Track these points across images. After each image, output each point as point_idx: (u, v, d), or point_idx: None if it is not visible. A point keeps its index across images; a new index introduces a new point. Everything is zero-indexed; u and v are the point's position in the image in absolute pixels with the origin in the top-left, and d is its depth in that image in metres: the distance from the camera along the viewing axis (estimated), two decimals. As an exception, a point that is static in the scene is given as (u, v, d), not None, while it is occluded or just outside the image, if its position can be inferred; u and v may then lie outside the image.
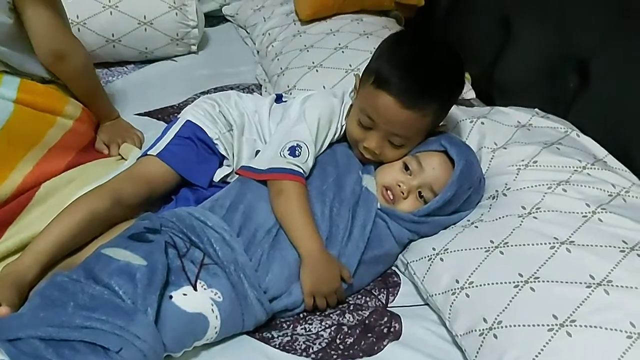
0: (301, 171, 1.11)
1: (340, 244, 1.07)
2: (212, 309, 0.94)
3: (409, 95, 1.07)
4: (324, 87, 1.48)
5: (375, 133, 1.13)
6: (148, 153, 1.22)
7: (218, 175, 1.23)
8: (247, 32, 1.96)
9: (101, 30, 1.70)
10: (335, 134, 1.21)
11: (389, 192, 1.14)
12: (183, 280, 0.95)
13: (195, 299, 0.94)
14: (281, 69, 1.62)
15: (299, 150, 1.12)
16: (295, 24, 1.80)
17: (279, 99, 1.34)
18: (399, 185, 1.13)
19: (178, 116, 1.29)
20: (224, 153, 1.24)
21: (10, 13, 1.19)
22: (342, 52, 1.59)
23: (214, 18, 2.05)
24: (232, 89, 1.63)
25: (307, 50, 1.63)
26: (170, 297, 0.93)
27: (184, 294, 0.94)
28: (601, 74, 1.27)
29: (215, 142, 1.23)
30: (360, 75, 1.19)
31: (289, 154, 1.11)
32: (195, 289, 0.95)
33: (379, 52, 1.16)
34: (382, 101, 1.09)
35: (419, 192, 1.13)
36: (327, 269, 1.04)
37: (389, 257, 1.15)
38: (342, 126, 1.22)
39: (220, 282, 0.97)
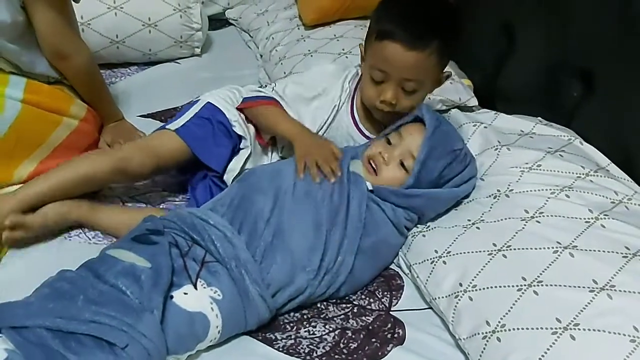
0: (266, 96, 1.28)
1: (341, 226, 1.08)
2: (212, 307, 0.95)
3: (412, 36, 1.13)
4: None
5: (388, 85, 1.18)
6: (166, 127, 1.26)
7: (237, 163, 1.26)
8: (250, 35, 1.96)
9: (105, 31, 1.71)
10: (334, 92, 1.29)
11: (371, 161, 1.16)
12: (184, 279, 0.96)
13: (196, 298, 0.95)
14: (284, 73, 1.63)
15: (268, 86, 1.29)
16: (299, 28, 1.81)
17: None
18: (380, 154, 1.16)
19: (199, 97, 1.34)
20: (240, 133, 1.27)
21: (21, 11, 1.21)
22: (346, 57, 1.60)
23: (217, 21, 2.06)
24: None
25: (311, 55, 1.64)
26: (172, 297, 0.93)
27: (185, 293, 0.95)
28: (604, 83, 1.28)
29: (233, 123, 1.27)
30: (364, 42, 1.25)
31: (257, 88, 1.29)
32: (195, 288, 0.95)
33: (376, 12, 1.22)
34: (388, 49, 1.14)
35: (402, 162, 1.15)
36: (316, 139, 1.21)
37: (388, 248, 1.16)
38: (346, 90, 1.30)
39: (220, 279, 0.98)
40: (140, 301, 0.89)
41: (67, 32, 1.28)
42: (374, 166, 1.16)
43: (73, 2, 1.33)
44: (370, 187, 1.14)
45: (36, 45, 1.26)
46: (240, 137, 1.27)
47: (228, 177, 1.24)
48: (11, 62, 1.24)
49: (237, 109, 1.29)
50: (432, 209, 1.16)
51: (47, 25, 1.23)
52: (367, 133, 1.30)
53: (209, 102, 1.30)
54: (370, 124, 1.30)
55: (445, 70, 1.27)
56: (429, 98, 1.56)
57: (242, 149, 1.27)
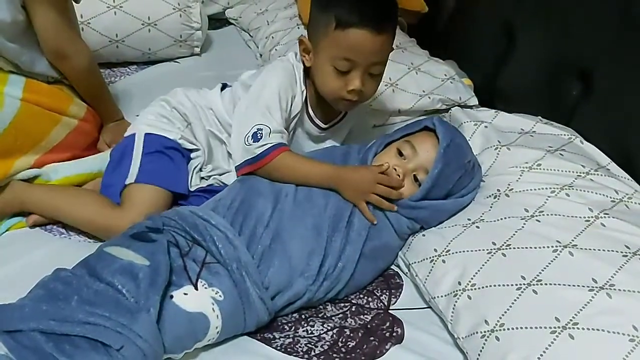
0: (271, 146, 1.12)
1: (344, 232, 1.08)
2: (213, 308, 0.94)
3: (377, 21, 1.11)
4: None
5: (355, 72, 1.14)
6: (125, 184, 1.18)
7: (194, 182, 1.24)
8: (250, 35, 1.97)
9: (105, 30, 1.71)
10: (297, 97, 1.21)
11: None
12: (184, 279, 0.95)
13: (196, 298, 0.94)
14: (284, 71, 1.62)
15: (261, 132, 1.13)
16: (298, 27, 1.81)
17: (224, 87, 1.34)
18: (395, 169, 1.13)
19: (132, 131, 1.26)
20: (190, 147, 1.25)
21: (22, 10, 1.21)
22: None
23: (217, 21, 2.06)
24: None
25: (311, 54, 1.64)
26: (171, 296, 0.93)
27: (185, 294, 0.94)
28: (604, 83, 1.28)
29: (180, 142, 1.24)
30: (307, 36, 1.20)
31: (253, 141, 1.13)
32: (196, 288, 0.95)
33: (321, 3, 1.17)
34: (355, 37, 1.11)
35: (415, 176, 1.13)
36: (352, 176, 1.11)
37: (389, 251, 1.15)
38: (302, 92, 1.22)
39: (221, 280, 0.97)
40: (136, 300, 0.88)
41: (67, 32, 1.28)
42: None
43: (73, 2, 1.33)
44: None
45: (36, 45, 1.26)
46: (191, 150, 1.26)
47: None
48: (11, 62, 1.24)
49: (243, 174, 1.16)
50: (436, 219, 1.14)
51: (47, 25, 1.23)
52: (319, 123, 1.27)
53: (146, 133, 1.23)
54: (322, 113, 1.27)
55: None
56: (429, 98, 1.56)
57: (193, 159, 1.26)
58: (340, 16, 1.10)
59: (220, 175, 1.28)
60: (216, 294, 0.95)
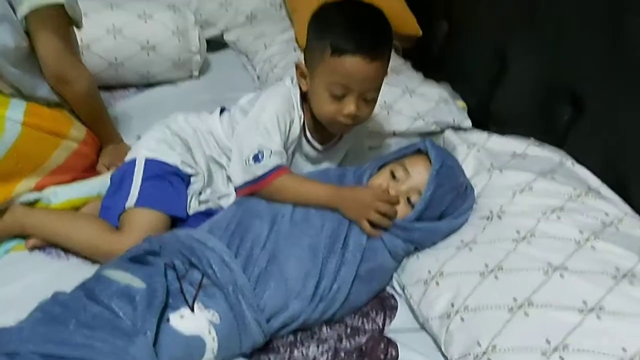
0: (272, 167, 1.15)
1: (339, 253, 1.09)
2: (209, 330, 0.95)
3: (371, 48, 1.13)
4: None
5: (350, 97, 1.16)
6: (125, 207, 1.19)
7: (192, 205, 1.26)
8: (247, 58, 1.99)
9: (105, 54, 1.74)
10: (295, 121, 1.23)
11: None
12: (181, 302, 0.96)
13: (192, 321, 0.95)
14: (281, 94, 1.65)
15: (262, 154, 1.15)
16: (295, 51, 1.84)
17: (222, 111, 1.36)
18: (388, 191, 1.15)
19: (132, 156, 1.27)
20: (190, 171, 1.27)
21: (25, 36, 1.24)
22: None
23: (215, 44, 2.08)
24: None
25: (307, 77, 1.66)
26: (168, 319, 0.93)
27: (181, 316, 0.95)
28: (594, 106, 1.30)
29: (180, 166, 1.26)
30: (304, 61, 1.22)
31: (254, 162, 1.15)
32: (192, 311, 0.95)
33: (316, 30, 1.19)
34: (350, 64, 1.13)
35: (408, 198, 1.15)
36: (353, 195, 1.13)
37: (383, 272, 1.16)
38: (300, 117, 1.24)
39: (218, 303, 0.98)
40: (133, 323, 0.89)
41: (69, 57, 1.31)
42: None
43: (75, 28, 1.36)
44: None
45: (38, 70, 1.28)
46: (191, 175, 1.28)
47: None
48: (13, 86, 1.26)
49: (242, 194, 1.19)
50: (430, 240, 1.16)
51: (50, 51, 1.26)
52: (316, 145, 1.30)
53: (147, 158, 1.25)
54: (319, 135, 1.29)
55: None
56: (423, 120, 1.59)
57: (192, 183, 1.27)
58: (335, 43, 1.13)
59: (219, 198, 1.29)
60: (212, 316, 0.96)
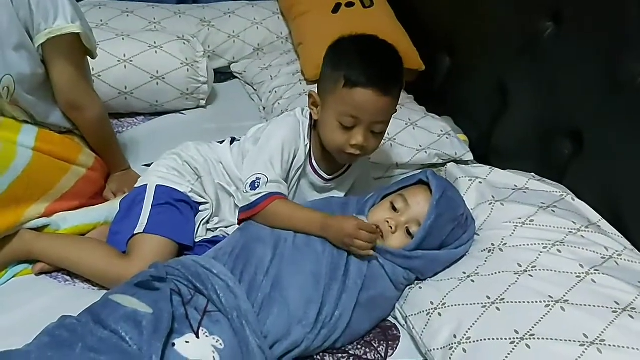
0: (265, 194, 1.18)
1: (341, 280, 1.10)
2: (214, 356, 0.95)
3: (383, 83, 1.17)
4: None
5: (358, 129, 1.19)
6: (134, 233, 1.21)
7: (200, 233, 1.28)
8: (254, 89, 2.02)
9: (115, 83, 1.76)
10: (300, 150, 1.27)
11: (378, 229, 1.17)
12: (186, 327, 0.97)
13: (197, 346, 0.95)
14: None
15: (258, 182, 1.20)
16: (301, 83, 1.88)
17: (233, 141, 1.40)
18: (387, 222, 1.17)
19: (143, 182, 1.29)
20: (200, 200, 1.29)
21: (41, 64, 1.27)
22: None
23: (222, 74, 2.12)
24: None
25: (312, 109, 1.69)
26: (173, 344, 0.94)
27: (186, 341, 0.95)
28: (594, 142, 1.32)
29: (190, 195, 1.28)
30: (317, 91, 1.26)
31: (250, 189, 1.19)
32: (197, 336, 0.96)
33: (332, 61, 1.23)
34: (361, 96, 1.16)
35: (407, 229, 1.17)
36: (337, 225, 1.14)
37: (385, 301, 1.17)
38: (306, 146, 1.28)
39: (222, 329, 0.99)
40: (139, 347, 0.90)
41: (83, 85, 1.34)
42: (380, 231, 1.17)
43: (89, 57, 1.39)
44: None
45: (52, 97, 1.31)
46: (200, 203, 1.30)
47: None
48: (26, 112, 1.28)
49: (241, 219, 1.23)
50: (431, 270, 1.18)
51: (65, 79, 1.29)
52: (323, 175, 1.32)
53: (157, 185, 1.27)
54: (327, 165, 1.32)
55: None
56: (426, 152, 1.61)
57: (201, 211, 1.30)
58: (349, 76, 1.17)
59: (226, 227, 1.31)
60: (217, 342, 0.97)
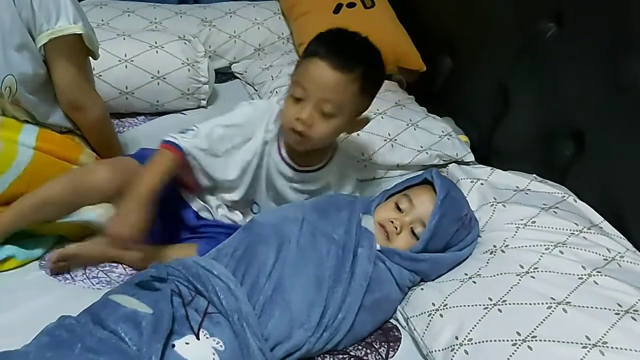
0: (175, 141, 1.21)
1: (345, 283, 1.10)
2: (214, 358, 0.95)
3: (337, 57, 1.15)
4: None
5: (306, 103, 1.17)
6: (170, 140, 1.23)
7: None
8: (255, 89, 2.01)
9: (116, 83, 1.76)
10: (258, 135, 1.27)
11: (383, 229, 1.18)
12: (186, 329, 0.97)
13: (197, 348, 0.95)
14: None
15: (190, 131, 1.24)
16: (302, 83, 1.87)
17: None
18: (392, 222, 1.17)
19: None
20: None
21: (43, 65, 1.27)
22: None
23: (223, 74, 2.11)
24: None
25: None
26: (173, 345, 0.94)
27: (186, 343, 0.95)
28: (595, 143, 1.32)
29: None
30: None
31: (178, 132, 1.24)
32: (197, 338, 0.96)
33: (311, 41, 1.24)
34: (314, 66, 1.16)
35: (412, 229, 1.17)
36: (127, 211, 1.14)
37: (389, 303, 1.17)
38: (268, 131, 1.28)
39: (223, 331, 0.98)
40: (138, 348, 0.89)
41: (84, 85, 1.34)
42: (386, 232, 1.17)
43: (91, 58, 1.39)
44: (378, 247, 1.16)
45: (53, 97, 1.31)
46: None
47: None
48: (28, 112, 1.29)
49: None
50: (436, 272, 1.17)
51: (67, 79, 1.29)
52: (291, 163, 1.29)
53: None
54: (299, 158, 1.29)
55: (365, 115, 1.29)
56: (427, 153, 1.61)
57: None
58: (311, 47, 1.19)
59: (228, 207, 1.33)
60: (217, 344, 0.97)
